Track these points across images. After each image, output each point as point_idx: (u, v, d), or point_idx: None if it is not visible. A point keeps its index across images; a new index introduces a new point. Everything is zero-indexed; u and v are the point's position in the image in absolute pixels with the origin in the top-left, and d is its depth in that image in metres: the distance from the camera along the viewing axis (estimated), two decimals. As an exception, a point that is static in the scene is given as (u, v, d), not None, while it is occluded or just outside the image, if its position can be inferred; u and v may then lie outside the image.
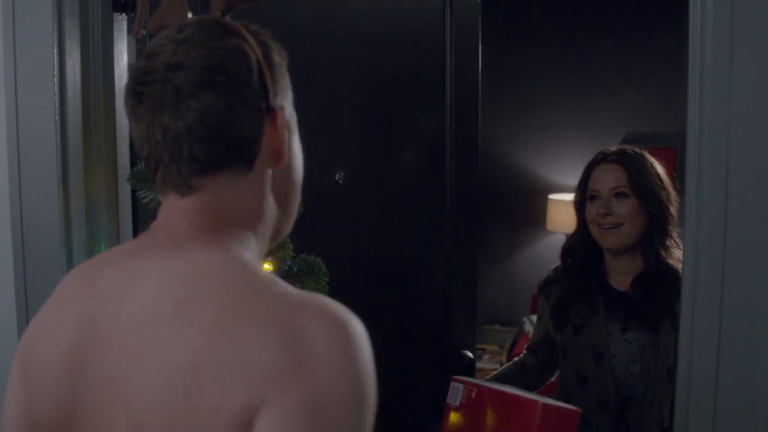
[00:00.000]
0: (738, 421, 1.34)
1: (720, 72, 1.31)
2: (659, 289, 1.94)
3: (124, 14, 1.76)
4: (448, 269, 2.36)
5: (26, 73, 1.62)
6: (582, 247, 2.09)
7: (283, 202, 0.97)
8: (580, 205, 2.11)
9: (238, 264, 0.86)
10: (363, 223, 2.27)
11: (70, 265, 1.65)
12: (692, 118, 1.37)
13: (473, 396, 1.79)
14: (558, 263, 2.20)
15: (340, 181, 2.20)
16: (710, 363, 1.35)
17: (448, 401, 1.85)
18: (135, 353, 0.82)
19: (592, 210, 2.02)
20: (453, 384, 1.86)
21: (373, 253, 2.33)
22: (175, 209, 0.91)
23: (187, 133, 0.85)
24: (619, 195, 1.99)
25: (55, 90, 1.61)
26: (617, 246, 2.00)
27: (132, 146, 1.81)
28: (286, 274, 1.57)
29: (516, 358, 2.32)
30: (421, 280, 2.40)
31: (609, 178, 2.00)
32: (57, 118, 1.62)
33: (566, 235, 2.90)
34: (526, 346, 2.29)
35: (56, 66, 1.61)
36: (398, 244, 2.36)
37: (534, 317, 2.72)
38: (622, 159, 2.02)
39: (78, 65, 1.64)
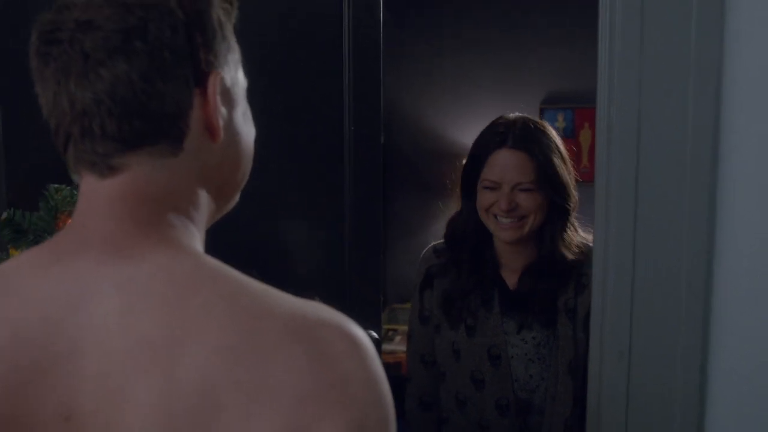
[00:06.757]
0: (650, 395, 1.40)
1: (631, 31, 1.33)
2: (548, 282, 1.96)
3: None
4: (349, 242, 2.38)
5: None
6: (472, 235, 2.03)
7: (220, 187, 0.93)
8: (466, 184, 2.03)
9: (211, 267, 0.82)
10: (254, 192, 2.26)
11: None
12: (602, 79, 1.39)
13: None
14: (428, 248, 2.15)
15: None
16: (623, 341, 1.40)
17: None
18: (107, 386, 0.76)
19: (488, 200, 1.94)
20: None
21: (266, 224, 2.33)
22: (97, 196, 0.84)
23: (96, 107, 0.80)
24: (524, 189, 1.92)
25: None
26: (516, 239, 1.96)
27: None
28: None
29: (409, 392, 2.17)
30: (319, 254, 2.42)
31: (512, 171, 1.91)
32: None
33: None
34: (415, 357, 2.16)
35: None
36: (294, 215, 2.37)
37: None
38: (526, 144, 1.91)
39: None
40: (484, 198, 1.96)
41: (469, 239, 2.04)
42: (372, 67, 2.35)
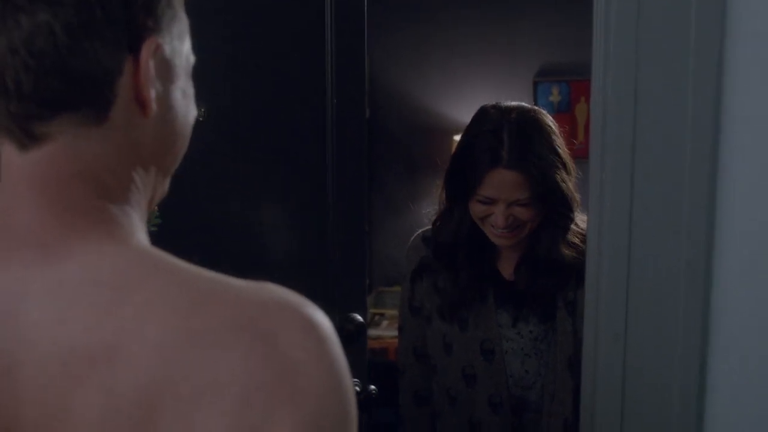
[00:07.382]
0: (647, 379, 1.40)
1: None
2: (547, 278, 1.94)
3: None
4: (333, 223, 2.34)
5: None
6: (466, 239, 2.00)
7: (153, 165, 0.88)
8: (456, 193, 1.98)
9: (151, 259, 0.78)
10: (229, 169, 2.23)
11: None
12: (597, 52, 1.36)
13: None
14: (417, 236, 2.14)
15: (201, 119, 2.14)
16: (619, 322, 1.39)
17: None
18: (45, 403, 0.73)
19: (483, 212, 1.91)
20: None
21: (245, 204, 2.30)
22: (20, 173, 0.79)
23: (11, 56, 0.75)
24: (521, 204, 1.88)
25: None
26: (513, 244, 1.95)
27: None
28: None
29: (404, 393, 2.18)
30: (301, 236, 2.39)
31: (508, 191, 1.86)
32: None
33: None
34: (408, 350, 2.16)
35: None
36: (274, 194, 2.33)
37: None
38: (522, 162, 1.84)
39: None
40: (477, 209, 1.91)
41: (464, 244, 2.00)
42: (355, 37, 2.31)
